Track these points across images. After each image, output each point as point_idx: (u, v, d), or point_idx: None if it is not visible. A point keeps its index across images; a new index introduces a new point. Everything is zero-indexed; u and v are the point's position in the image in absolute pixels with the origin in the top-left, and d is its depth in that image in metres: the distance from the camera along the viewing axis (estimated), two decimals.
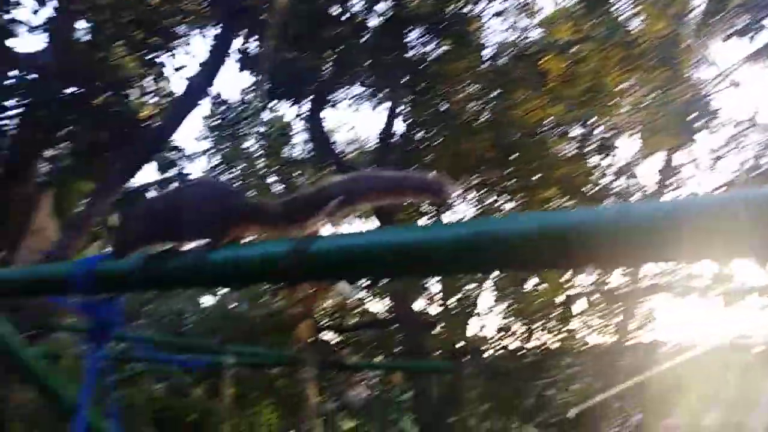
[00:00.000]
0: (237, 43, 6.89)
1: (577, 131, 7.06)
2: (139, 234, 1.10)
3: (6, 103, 6.09)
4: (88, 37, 6.73)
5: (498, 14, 7.64)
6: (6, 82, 6.07)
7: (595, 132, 6.56)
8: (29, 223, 6.78)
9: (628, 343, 11.28)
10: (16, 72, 6.17)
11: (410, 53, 7.37)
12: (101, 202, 5.92)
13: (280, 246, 0.99)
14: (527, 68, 6.53)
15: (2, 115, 6.19)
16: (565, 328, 11.37)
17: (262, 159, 12.50)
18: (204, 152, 12.87)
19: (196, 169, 12.83)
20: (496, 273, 10.71)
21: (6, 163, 6.22)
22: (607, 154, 7.43)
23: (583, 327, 11.65)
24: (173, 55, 6.96)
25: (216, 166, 12.70)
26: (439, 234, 0.86)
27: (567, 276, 11.03)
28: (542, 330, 11.29)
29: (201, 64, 5.96)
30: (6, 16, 6.24)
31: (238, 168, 12.73)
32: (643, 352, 11.51)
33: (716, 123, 7.89)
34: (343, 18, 6.30)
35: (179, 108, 6.02)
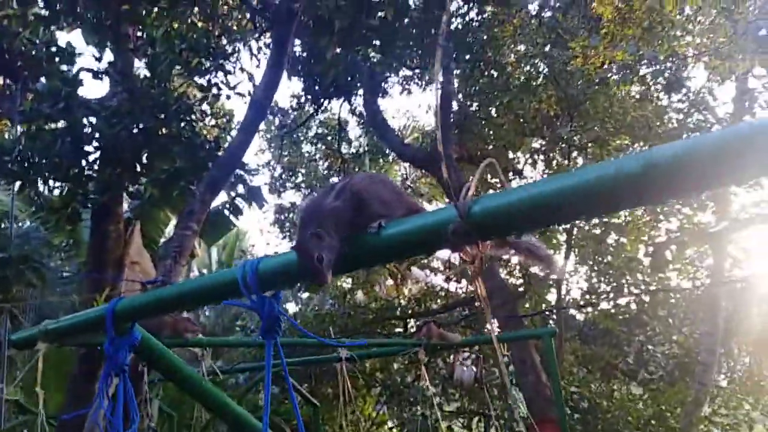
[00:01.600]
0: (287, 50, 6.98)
1: (643, 71, 6.74)
2: (332, 241, 1.16)
3: (87, 148, 6.47)
4: (147, 72, 7.05)
5: None
6: (84, 130, 6.44)
7: (662, 68, 6.23)
8: (125, 258, 7.20)
9: (725, 283, 10.75)
10: (91, 119, 6.55)
11: (455, 24, 7.27)
12: (187, 229, 6.21)
13: (441, 213, 1.01)
14: (579, 16, 6.29)
15: (85, 160, 6.57)
16: (655, 279, 10.98)
17: (322, 161, 12.74)
18: (267, 164, 13.26)
19: (259, 182, 13.18)
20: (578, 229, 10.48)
21: (96, 204, 6.61)
22: (677, 90, 7.07)
23: (675, 273, 11.21)
24: (227, 73, 7.17)
25: (279, 175, 13.04)
26: (605, 171, 0.85)
27: (650, 224, 10.64)
28: (632, 285, 10.95)
29: (262, 78, 6.09)
30: (73, 68, 6.62)
31: (301, 173, 13.02)
32: (741, 290, 10.98)
33: None
34: (385, 3, 6.27)
35: (247, 125, 6.20)
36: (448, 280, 10.63)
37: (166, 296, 1.58)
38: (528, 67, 7.54)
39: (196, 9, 7.31)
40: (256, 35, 8.34)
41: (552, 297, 10.92)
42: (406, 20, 6.66)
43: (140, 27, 7.28)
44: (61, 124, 6.63)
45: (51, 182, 7.08)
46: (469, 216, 0.95)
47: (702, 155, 0.76)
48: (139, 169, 6.85)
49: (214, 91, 7.19)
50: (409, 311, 11.22)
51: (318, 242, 1.14)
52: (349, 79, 6.93)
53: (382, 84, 7.60)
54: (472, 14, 7.99)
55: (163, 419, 6.05)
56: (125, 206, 7.83)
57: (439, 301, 11.42)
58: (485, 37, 7.15)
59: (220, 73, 7.31)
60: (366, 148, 12.04)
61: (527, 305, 10.70)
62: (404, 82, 8.43)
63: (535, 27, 7.15)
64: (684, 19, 6.47)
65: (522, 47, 7.28)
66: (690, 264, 11.04)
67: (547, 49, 6.90)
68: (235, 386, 10.59)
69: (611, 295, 10.99)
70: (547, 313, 10.19)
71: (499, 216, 0.94)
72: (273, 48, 5.97)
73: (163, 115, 6.74)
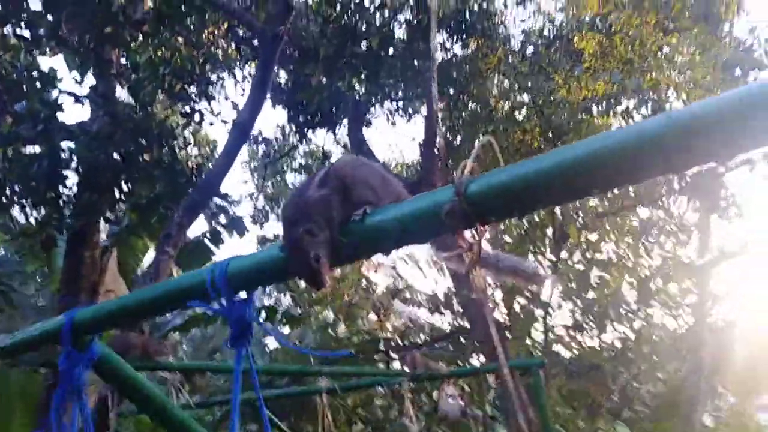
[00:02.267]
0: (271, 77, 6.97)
1: (626, 102, 6.84)
2: (325, 235, 1.05)
3: (65, 172, 6.32)
4: (129, 98, 6.97)
5: (520, 2, 7.55)
6: (62, 154, 6.31)
7: (645, 98, 6.32)
8: (99, 285, 6.97)
9: (709, 320, 10.76)
10: (70, 143, 6.42)
11: (439, 57, 7.35)
12: (164, 253, 6.04)
13: (437, 195, 0.92)
14: (561, 51, 6.40)
15: (62, 185, 6.42)
16: (640, 316, 10.97)
17: None
18: (250, 195, 13.12)
19: (241, 213, 13.01)
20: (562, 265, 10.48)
21: (72, 230, 6.42)
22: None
23: (659, 311, 11.20)
24: (211, 99, 7.13)
25: (262, 207, 12.91)
26: (626, 135, 0.77)
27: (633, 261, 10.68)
28: (616, 321, 10.92)
29: (246, 100, 6.05)
30: (53, 93, 6.52)
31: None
32: (725, 330, 10.98)
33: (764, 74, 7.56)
34: (370, 33, 6.32)
35: (229, 148, 6.11)
36: (432, 311, 10.49)
37: (130, 303, 1.46)
38: (511, 99, 7.61)
39: (180, 38, 7.30)
40: (241, 63, 8.35)
41: (535, 333, 10.82)
42: (390, 50, 6.71)
43: (124, 52, 7.24)
44: (39, 147, 6.49)
45: (27, 207, 6.89)
46: (467, 195, 0.86)
47: (718, 113, 0.72)
48: (117, 194, 6.70)
49: (197, 117, 7.13)
50: (393, 344, 11.00)
51: (311, 240, 1.02)
52: (333, 108, 6.92)
53: (366, 114, 7.61)
54: (456, 48, 8.11)
55: None
56: (102, 235, 7.64)
57: (422, 335, 11.23)
58: (469, 70, 7.23)
59: (204, 101, 7.29)
60: None
61: (512, 337, 10.56)
62: (389, 113, 8.47)
63: (519, 60, 7.26)
64: (663, 56, 6.61)
65: (506, 82, 7.38)
66: (673, 301, 11.05)
67: (530, 83, 6.99)
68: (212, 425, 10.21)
69: (595, 331, 10.93)
70: (531, 346, 10.06)
71: (499, 194, 0.85)
72: (257, 70, 5.95)
73: (144, 140, 6.65)
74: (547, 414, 4.59)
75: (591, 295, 10.97)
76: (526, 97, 7.44)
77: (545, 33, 7.69)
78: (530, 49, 7.40)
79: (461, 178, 0.88)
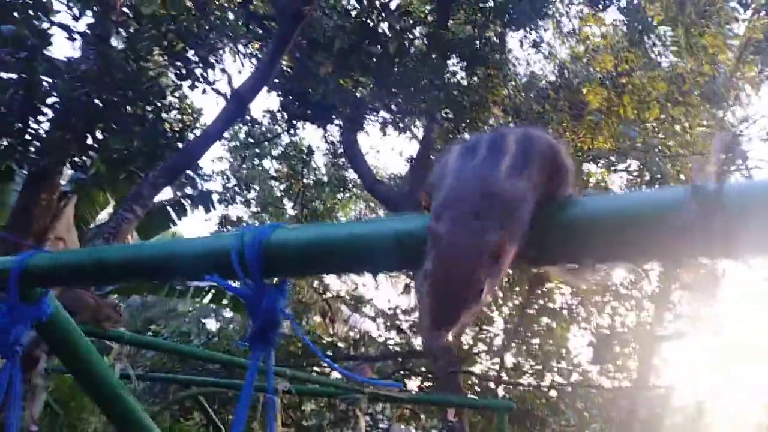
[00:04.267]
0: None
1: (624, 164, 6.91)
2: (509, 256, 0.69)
3: (41, 107, 5.96)
4: (124, 46, 6.66)
5: (535, 45, 7.60)
6: (42, 86, 5.95)
7: (648, 162, 6.38)
8: (50, 231, 6.59)
9: (643, 387, 10.99)
10: (51, 80, 6.06)
11: (446, 79, 7.30)
12: (130, 211, 5.74)
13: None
14: (568, 97, 6.43)
15: (34, 118, 6.05)
16: (578, 370, 11.15)
17: (281, 181, 12.39)
18: (221, 173, 12.77)
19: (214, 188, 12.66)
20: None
21: (35, 166, 6.04)
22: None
23: (597, 369, 11.38)
24: (209, 67, 6.87)
25: (232, 186, 12.58)
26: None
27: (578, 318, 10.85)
28: (555, 370, 11.06)
29: (248, 77, 5.83)
30: (45, 24, 6.17)
31: (255, 189, 12.60)
32: (659, 398, 11.23)
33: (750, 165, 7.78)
34: (389, 37, 6.20)
35: (220, 121, 5.87)
36: (388, 328, 10.35)
37: (112, 259, 1.15)
38: None
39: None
40: (246, 41, 8.11)
41: (477, 367, 10.84)
42: (404, 59, 6.61)
43: (129, 1, 6.93)
44: (17, 75, 6.11)
45: None
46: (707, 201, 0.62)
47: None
48: (90, 141, 6.36)
49: (190, 81, 6.86)
50: (345, 352, 10.79)
51: (493, 265, 0.66)
52: (333, 104, 6.75)
53: (365, 117, 7.48)
54: (463, 74, 8.08)
55: (47, 416, 5.38)
56: (64, 181, 7.25)
57: (371, 349, 11.08)
58: (477, 98, 7.19)
59: (200, 69, 7.02)
60: (328, 179, 11.80)
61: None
62: (383, 122, 8.36)
63: (524, 98, 7.28)
64: (666, 125, 6.72)
65: (509, 118, 7.37)
66: (614, 362, 11.25)
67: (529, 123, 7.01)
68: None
69: (534, 376, 11.03)
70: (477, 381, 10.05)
71: None
72: (271, 45, 5.72)
73: (131, 92, 6.34)
74: None
75: (537, 340, 11.09)
76: None
77: (552, 79, 7.75)
78: (540, 90, 7.42)
79: (707, 179, 0.64)
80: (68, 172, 7.48)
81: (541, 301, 10.65)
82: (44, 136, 6.04)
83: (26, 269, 1.23)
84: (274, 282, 0.96)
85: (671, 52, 7.14)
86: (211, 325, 14.69)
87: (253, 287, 0.95)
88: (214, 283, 0.97)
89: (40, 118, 6.17)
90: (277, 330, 0.93)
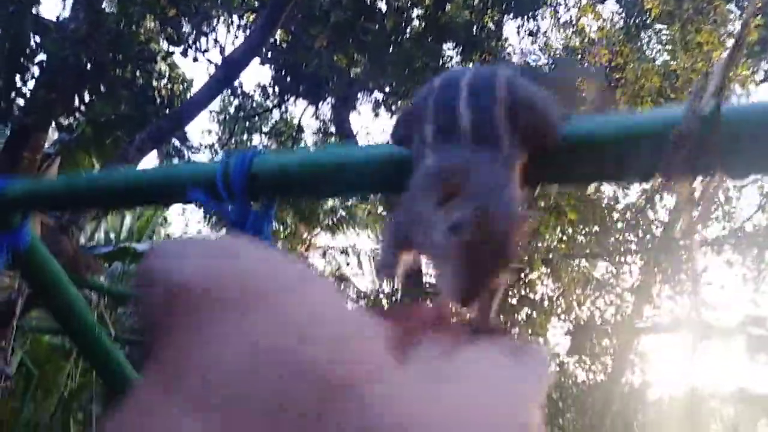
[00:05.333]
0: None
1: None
2: None
3: (27, 64, 5.84)
4: (116, 8, 6.54)
5: (532, 33, 7.59)
6: (30, 44, 5.83)
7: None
8: None
9: (619, 380, 11.13)
10: (40, 37, 5.94)
11: (441, 63, 7.26)
12: None
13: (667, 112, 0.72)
14: (563, 87, 6.41)
15: (21, 78, 5.93)
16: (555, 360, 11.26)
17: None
18: (209, 146, 12.61)
19: (201, 161, 12.43)
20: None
21: (18, 125, 5.93)
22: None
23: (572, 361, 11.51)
24: (201, 34, 6.77)
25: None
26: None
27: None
28: None
29: (240, 44, 5.74)
30: None
31: None
32: (634, 393, 11.38)
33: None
34: (386, 13, 6.14)
35: (209, 88, 5.79)
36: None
37: (101, 183, 1.15)
38: None
39: None
40: (240, 12, 8.00)
41: None
42: (401, 38, 6.55)
43: None
44: (3, 31, 5.97)
45: None
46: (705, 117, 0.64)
47: None
48: (77, 102, 6.25)
49: (182, 48, 6.76)
50: None
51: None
52: (326, 80, 6.68)
53: (358, 95, 7.42)
54: (458, 59, 8.04)
55: (21, 375, 5.33)
56: (47, 144, 7.12)
57: None
58: None
59: (192, 37, 6.91)
60: None
61: None
62: (376, 102, 8.30)
63: None
64: None
65: None
66: (591, 354, 11.39)
67: None
68: None
69: None
70: None
71: None
72: (267, 9, 5.62)
73: (121, 56, 6.23)
74: None
75: (515, 330, 11.18)
76: None
77: (546, 71, 7.74)
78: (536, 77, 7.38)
79: (700, 99, 0.66)
80: (54, 136, 7.37)
81: (522, 292, 10.74)
82: (29, 95, 5.93)
83: (4, 194, 1.20)
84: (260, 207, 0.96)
85: (666, 51, 7.19)
86: None
87: (238, 209, 0.94)
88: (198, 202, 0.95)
89: (26, 76, 6.06)
90: None
